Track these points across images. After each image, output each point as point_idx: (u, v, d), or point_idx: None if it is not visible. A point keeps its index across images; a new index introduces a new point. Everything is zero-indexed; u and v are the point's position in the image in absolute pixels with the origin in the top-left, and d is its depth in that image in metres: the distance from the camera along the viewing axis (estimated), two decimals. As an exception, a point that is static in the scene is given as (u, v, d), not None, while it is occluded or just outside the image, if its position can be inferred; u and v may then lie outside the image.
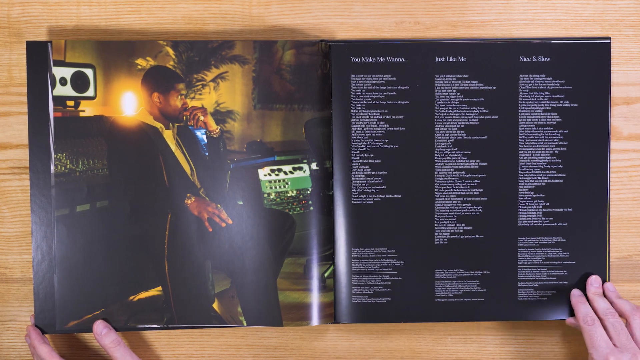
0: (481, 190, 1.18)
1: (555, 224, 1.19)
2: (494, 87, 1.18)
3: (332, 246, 1.18)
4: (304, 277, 1.18)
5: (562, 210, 1.19)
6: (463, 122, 1.18)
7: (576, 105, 1.18)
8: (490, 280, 1.19)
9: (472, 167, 1.18)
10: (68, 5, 1.20)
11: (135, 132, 1.16)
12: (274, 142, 1.17)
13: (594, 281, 1.19)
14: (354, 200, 1.18)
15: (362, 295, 1.18)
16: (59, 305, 1.16)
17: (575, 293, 1.19)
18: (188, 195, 1.17)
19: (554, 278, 1.19)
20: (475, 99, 1.18)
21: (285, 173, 1.18)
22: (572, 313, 1.19)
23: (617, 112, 1.22)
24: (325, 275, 1.18)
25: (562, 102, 1.18)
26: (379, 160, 1.18)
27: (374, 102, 1.18)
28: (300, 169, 1.18)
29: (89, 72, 1.15)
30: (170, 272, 1.17)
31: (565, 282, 1.19)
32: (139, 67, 1.16)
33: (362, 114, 1.18)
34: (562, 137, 1.19)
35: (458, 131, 1.18)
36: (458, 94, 1.18)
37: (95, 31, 1.20)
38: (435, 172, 1.18)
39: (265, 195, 1.18)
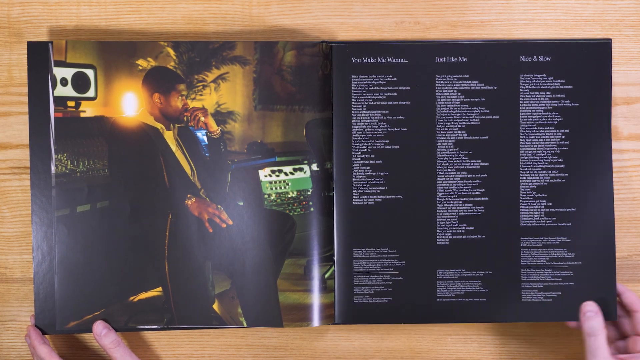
0: (483, 190, 1.18)
1: (559, 224, 1.19)
2: (495, 87, 1.18)
3: (333, 247, 1.18)
4: (304, 278, 1.18)
5: (565, 210, 1.19)
6: (464, 122, 1.18)
7: (577, 104, 1.18)
8: (493, 281, 1.19)
9: (473, 167, 1.18)
10: (68, 5, 1.20)
11: (136, 132, 1.16)
12: (275, 143, 1.17)
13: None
14: (355, 201, 1.18)
15: (364, 295, 1.18)
16: (59, 305, 1.15)
17: (584, 309, 1.17)
18: (188, 195, 1.17)
19: (560, 279, 1.19)
20: (476, 99, 1.18)
21: (286, 174, 1.18)
22: (576, 316, 1.19)
23: (617, 112, 1.22)
24: (326, 276, 1.18)
25: (563, 101, 1.18)
26: (380, 161, 1.18)
27: (374, 102, 1.18)
28: (301, 169, 1.18)
29: (89, 72, 1.15)
30: (170, 273, 1.17)
31: (572, 283, 1.19)
32: (140, 67, 1.16)
33: (363, 114, 1.18)
34: (563, 137, 1.18)
35: (459, 131, 1.18)
36: (459, 94, 1.18)
37: (96, 31, 1.20)
38: (437, 173, 1.18)
39: (266, 196, 1.18)
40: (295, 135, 1.17)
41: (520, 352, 1.23)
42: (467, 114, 1.18)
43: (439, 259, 1.18)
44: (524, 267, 1.19)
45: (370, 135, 1.18)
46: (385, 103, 1.18)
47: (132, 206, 1.16)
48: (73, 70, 1.15)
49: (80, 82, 1.15)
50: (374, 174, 1.18)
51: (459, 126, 1.18)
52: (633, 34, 1.22)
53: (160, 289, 1.17)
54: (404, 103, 1.18)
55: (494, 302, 1.19)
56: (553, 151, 1.18)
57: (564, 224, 1.19)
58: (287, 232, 1.18)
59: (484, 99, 1.18)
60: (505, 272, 1.19)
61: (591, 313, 1.15)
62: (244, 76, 1.17)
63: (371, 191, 1.18)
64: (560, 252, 1.19)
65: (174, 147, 1.17)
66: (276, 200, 1.18)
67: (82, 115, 1.16)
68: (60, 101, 1.15)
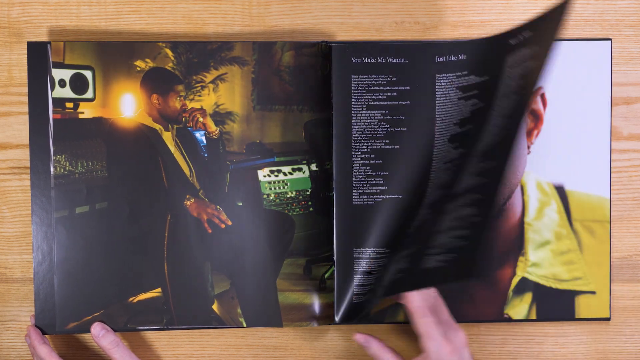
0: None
1: (479, 181, 1.09)
2: (487, 77, 1.16)
3: (332, 247, 1.18)
4: (303, 278, 1.18)
5: (486, 164, 1.09)
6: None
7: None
8: (413, 256, 1.12)
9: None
10: (68, 5, 1.20)
11: (134, 133, 1.16)
12: (274, 143, 1.17)
13: None
14: (355, 201, 1.18)
15: (364, 295, 1.18)
16: (59, 306, 1.16)
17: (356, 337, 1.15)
18: (187, 196, 1.17)
19: (460, 239, 1.08)
20: (471, 93, 1.17)
21: (285, 174, 1.18)
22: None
23: (617, 112, 1.21)
24: (326, 276, 1.18)
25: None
26: (380, 161, 1.18)
27: (374, 102, 1.18)
28: (300, 170, 1.18)
29: (87, 73, 1.15)
30: (169, 274, 1.17)
31: (467, 243, 1.08)
32: (138, 68, 1.16)
33: (363, 114, 1.18)
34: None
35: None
36: (459, 92, 1.18)
37: (96, 31, 1.20)
38: (436, 173, 1.18)
39: (265, 196, 1.18)
40: (294, 135, 1.17)
41: (520, 352, 1.23)
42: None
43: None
44: (435, 233, 1.09)
45: (370, 135, 1.18)
46: (385, 103, 1.18)
47: (130, 207, 1.16)
48: (71, 72, 1.15)
49: (79, 84, 1.15)
50: (373, 173, 1.18)
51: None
52: (633, 34, 1.21)
53: (159, 289, 1.17)
54: (403, 103, 1.18)
55: (409, 275, 1.11)
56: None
57: (480, 180, 1.09)
58: (286, 232, 1.18)
59: (477, 91, 1.16)
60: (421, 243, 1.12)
61: (362, 340, 1.14)
62: (242, 77, 1.17)
63: (371, 191, 1.18)
64: (466, 210, 1.08)
65: (172, 148, 1.17)
66: (275, 201, 1.18)
67: (81, 116, 1.16)
68: (59, 102, 1.15)
